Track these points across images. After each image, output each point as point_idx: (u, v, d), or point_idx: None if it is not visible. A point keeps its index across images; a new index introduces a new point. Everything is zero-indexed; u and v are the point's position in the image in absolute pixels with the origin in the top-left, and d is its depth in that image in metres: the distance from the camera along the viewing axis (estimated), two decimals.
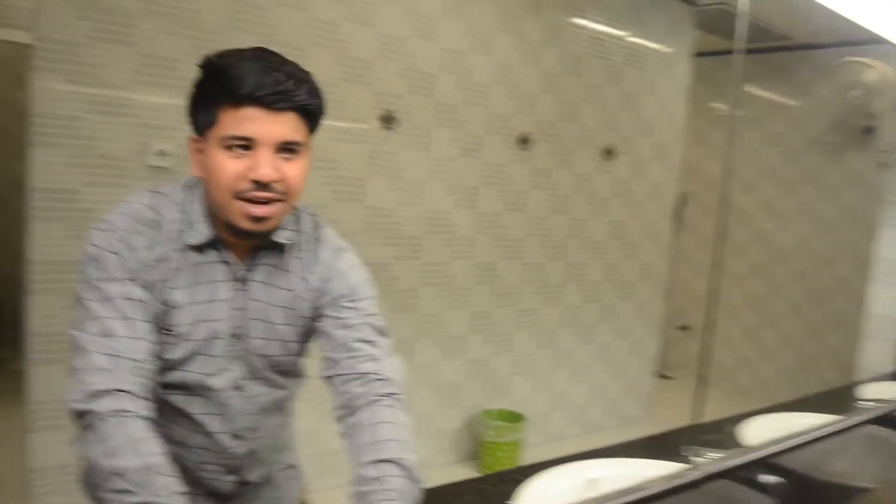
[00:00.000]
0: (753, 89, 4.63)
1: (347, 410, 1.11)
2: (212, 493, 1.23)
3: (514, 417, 3.29)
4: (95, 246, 1.05)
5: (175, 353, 1.10)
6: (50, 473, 2.34)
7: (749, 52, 1.68)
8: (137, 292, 1.05)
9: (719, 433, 1.74)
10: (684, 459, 1.49)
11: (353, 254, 1.23)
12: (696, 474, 1.46)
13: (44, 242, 2.21)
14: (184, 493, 0.93)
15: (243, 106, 1.01)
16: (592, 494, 1.28)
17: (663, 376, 4.64)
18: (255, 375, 1.18)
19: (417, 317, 3.07)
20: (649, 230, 3.92)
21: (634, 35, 3.65)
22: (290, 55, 1.08)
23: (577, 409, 3.79)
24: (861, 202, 4.19)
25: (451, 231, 3.10)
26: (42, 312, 2.22)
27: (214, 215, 1.10)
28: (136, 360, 1.00)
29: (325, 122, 1.13)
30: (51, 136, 2.22)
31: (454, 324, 3.21)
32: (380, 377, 1.12)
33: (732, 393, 3.80)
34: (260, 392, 1.20)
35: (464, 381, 3.30)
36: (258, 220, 1.06)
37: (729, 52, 1.68)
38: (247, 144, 1.03)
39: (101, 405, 0.95)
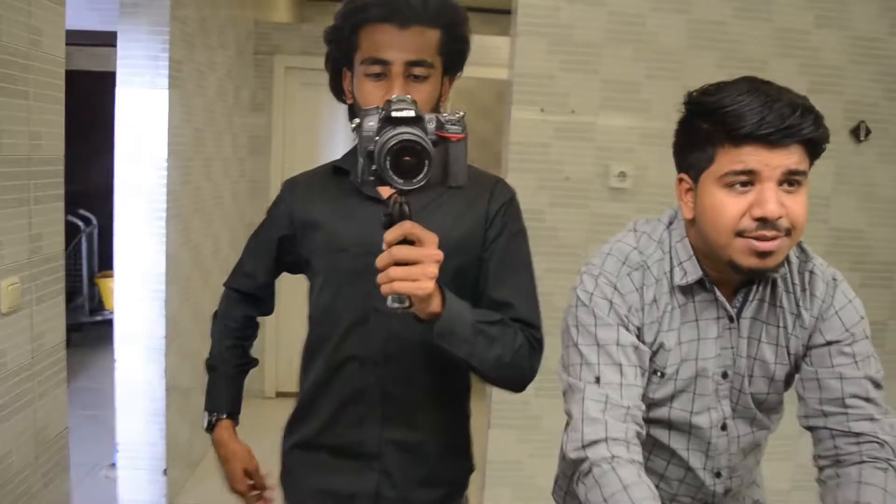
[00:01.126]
0: None
1: (833, 462, 1.05)
2: None
3: None
4: (587, 291, 1.09)
5: (661, 392, 1.12)
6: (500, 466, 2.64)
7: None
8: (627, 338, 1.06)
9: None
10: None
11: (847, 284, 1.12)
12: None
13: None
14: None
15: (745, 145, 0.97)
16: None
17: None
18: (741, 415, 1.15)
19: (888, 355, 2.67)
20: None
21: None
22: (750, 69, 1.03)
23: None
24: None
25: None
26: None
27: (702, 253, 1.09)
28: (625, 408, 1.02)
29: None
30: (522, 162, 2.51)
31: None
32: (876, 440, 1.02)
33: None
34: (744, 432, 1.16)
35: None
36: (763, 255, 1.00)
37: None
38: (748, 181, 0.98)
39: (595, 453, 0.99)
